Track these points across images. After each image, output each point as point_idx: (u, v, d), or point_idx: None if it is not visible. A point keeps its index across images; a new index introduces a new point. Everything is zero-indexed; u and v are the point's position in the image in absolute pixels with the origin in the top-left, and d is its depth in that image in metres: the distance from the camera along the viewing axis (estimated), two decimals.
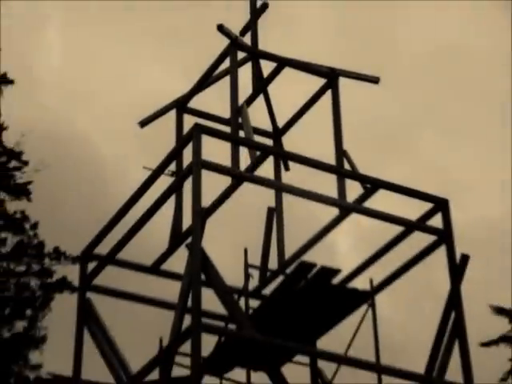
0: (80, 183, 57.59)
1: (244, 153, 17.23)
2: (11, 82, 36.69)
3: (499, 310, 40.90)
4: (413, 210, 17.71)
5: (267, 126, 20.01)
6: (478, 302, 41.28)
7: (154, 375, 15.68)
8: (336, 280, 16.90)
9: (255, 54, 19.14)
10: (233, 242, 17.45)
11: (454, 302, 16.76)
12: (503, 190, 54.11)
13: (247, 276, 17.15)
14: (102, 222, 18.39)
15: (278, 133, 20.06)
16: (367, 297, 16.95)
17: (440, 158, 65.96)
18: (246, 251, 17.06)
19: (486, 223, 59.17)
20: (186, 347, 14.77)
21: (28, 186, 34.68)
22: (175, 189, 17.16)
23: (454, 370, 16.34)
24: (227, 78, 18.60)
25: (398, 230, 17.80)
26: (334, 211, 17.62)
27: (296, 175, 17.90)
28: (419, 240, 17.51)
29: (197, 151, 16.13)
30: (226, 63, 18.80)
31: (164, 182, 17.32)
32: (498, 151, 61.35)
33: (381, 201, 17.41)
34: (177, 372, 15.70)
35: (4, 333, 31.79)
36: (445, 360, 16.29)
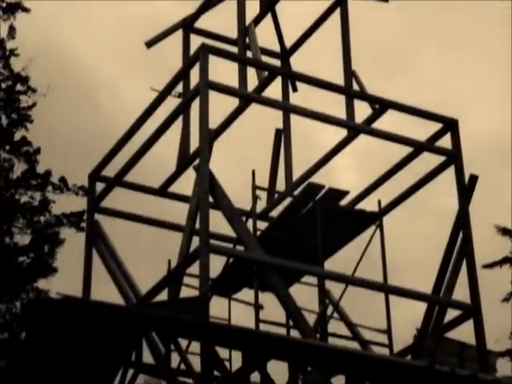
0: (80, 108, 56.52)
1: (251, 74, 17.07)
2: (27, 10, 36.46)
3: (504, 231, 40.91)
4: (419, 131, 17.73)
5: (275, 46, 19.81)
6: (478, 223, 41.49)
7: (163, 296, 15.81)
8: (344, 202, 17.08)
9: None
10: (240, 164, 17.45)
11: (462, 222, 16.82)
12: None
13: (255, 198, 17.23)
14: (104, 147, 18.41)
15: (285, 53, 19.89)
16: (375, 218, 17.07)
17: (441, 75, 65.63)
18: (253, 173, 17.05)
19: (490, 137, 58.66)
20: (195, 268, 14.88)
21: (32, 109, 34.23)
22: (182, 110, 17.06)
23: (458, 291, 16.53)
24: None
25: (402, 152, 17.81)
26: (342, 133, 17.59)
27: (304, 97, 17.84)
28: (425, 163, 17.57)
29: (204, 71, 16.05)
30: None
31: (171, 103, 17.32)
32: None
33: (387, 123, 17.43)
34: (185, 293, 15.65)
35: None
36: (452, 280, 16.42)
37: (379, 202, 17.33)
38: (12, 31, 35.60)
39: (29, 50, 37.72)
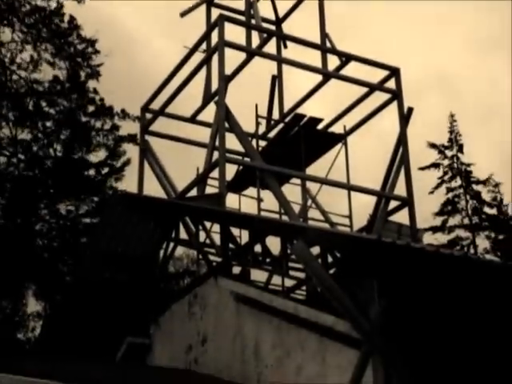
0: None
1: (254, 36, 17.44)
2: None
3: (432, 145, 41.73)
4: (372, 77, 18.12)
5: (271, 15, 19.96)
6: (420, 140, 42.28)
7: (194, 193, 16.17)
8: (319, 127, 17.65)
9: None
10: (247, 100, 17.69)
11: (402, 140, 17.17)
12: None
13: (257, 124, 17.85)
14: (149, 89, 18.89)
15: (279, 21, 19.99)
16: (342, 138, 17.73)
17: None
18: (256, 106, 17.52)
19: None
20: (215, 174, 15.51)
21: (100, 66, 34.51)
22: (206, 61, 17.18)
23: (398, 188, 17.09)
24: None
25: (360, 92, 18.24)
26: (318, 78, 17.99)
27: (292, 52, 18.15)
28: (377, 99, 18.04)
29: (221, 34, 16.28)
30: None
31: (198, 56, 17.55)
32: None
33: (349, 71, 17.84)
34: (209, 190, 15.99)
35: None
36: (394, 181, 16.86)
37: (344, 127, 17.95)
38: None
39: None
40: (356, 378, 9.82)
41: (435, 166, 42.07)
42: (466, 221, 41.31)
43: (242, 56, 17.40)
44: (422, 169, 40.44)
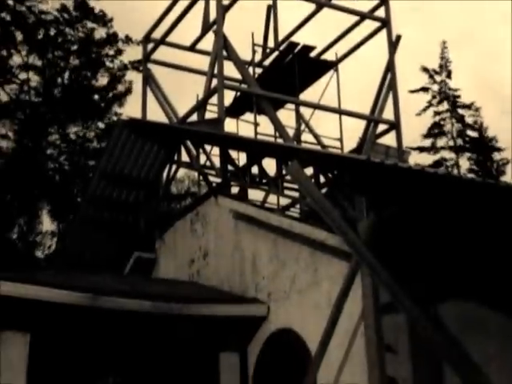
0: None
1: None
2: None
3: (424, 69, 41.52)
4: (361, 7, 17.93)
5: None
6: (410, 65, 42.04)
7: (194, 118, 16.28)
8: (312, 54, 17.62)
9: None
10: (244, 29, 17.54)
11: (390, 66, 17.12)
12: None
13: (254, 52, 17.84)
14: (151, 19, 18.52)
15: None
16: (334, 64, 17.76)
17: None
18: (252, 35, 17.54)
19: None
20: (214, 100, 15.51)
21: None
22: None
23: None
24: None
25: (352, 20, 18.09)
26: (312, 7, 17.74)
27: None
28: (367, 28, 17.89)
29: None
30: None
31: None
32: None
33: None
34: (208, 116, 15.99)
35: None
36: (382, 106, 16.94)
37: (336, 55, 17.96)
38: None
39: None
40: (345, 287, 10.00)
41: (424, 89, 41.95)
42: (451, 143, 41.40)
43: None
44: (412, 92, 40.35)
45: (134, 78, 31.27)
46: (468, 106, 41.87)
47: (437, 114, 41.85)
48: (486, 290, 11.10)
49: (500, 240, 10.47)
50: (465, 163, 40.72)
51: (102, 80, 31.72)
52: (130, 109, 30.12)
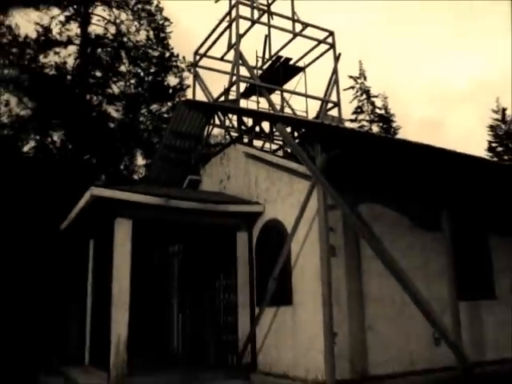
0: None
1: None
2: None
3: (350, 76, 41.54)
4: None
5: None
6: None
7: (222, 99, 16.13)
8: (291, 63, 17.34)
9: None
10: (252, 48, 17.21)
11: (334, 71, 16.89)
12: None
13: (257, 61, 17.52)
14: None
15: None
16: (302, 69, 17.41)
17: None
18: (256, 51, 17.32)
19: None
20: (234, 88, 15.21)
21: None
22: (229, 26, 16.28)
23: None
24: None
25: None
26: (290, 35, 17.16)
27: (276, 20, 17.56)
28: None
29: (237, 11, 15.44)
30: None
31: None
32: None
33: None
34: (230, 97, 15.63)
35: None
36: (331, 92, 16.67)
37: (304, 63, 17.67)
38: None
39: None
40: (308, 195, 10.06)
41: (352, 87, 41.58)
42: (367, 118, 41.56)
43: (249, 23, 16.43)
44: (345, 89, 40.31)
45: (189, 76, 30.65)
46: (376, 96, 41.88)
47: (360, 101, 41.75)
48: (385, 197, 11.15)
49: (396, 167, 10.49)
50: (375, 129, 40.85)
51: (172, 79, 31.11)
52: (187, 95, 29.74)
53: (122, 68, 29.55)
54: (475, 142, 52.29)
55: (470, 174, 11.04)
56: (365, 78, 42.03)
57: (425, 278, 11.17)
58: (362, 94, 41.83)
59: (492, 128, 41.33)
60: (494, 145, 41.07)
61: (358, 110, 41.68)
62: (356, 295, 10.17)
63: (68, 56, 27.91)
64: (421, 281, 10.94)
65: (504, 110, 41.34)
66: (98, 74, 29.02)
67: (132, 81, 30.00)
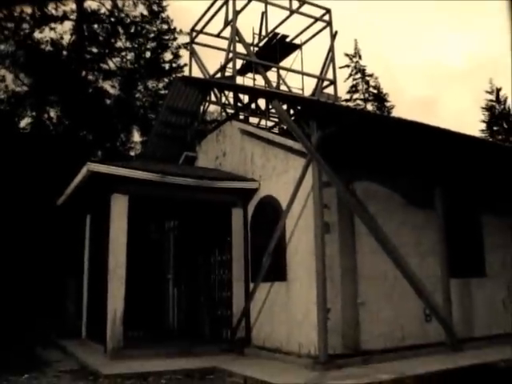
0: None
1: None
2: None
3: (346, 54, 41.19)
4: None
5: None
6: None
7: (219, 75, 16.13)
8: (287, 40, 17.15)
9: None
10: (248, 23, 16.90)
11: (331, 49, 16.65)
12: None
13: (253, 37, 17.31)
14: None
15: None
16: (299, 46, 17.16)
17: None
18: (253, 28, 16.93)
19: None
20: (230, 65, 15.12)
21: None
22: (226, 3, 15.73)
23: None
24: None
25: None
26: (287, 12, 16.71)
27: None
28: None
29: None
30: None
31: None
32: None
33: None
34: (227, 74, 15.54)
35: None
36: (327, 70, 16.46)
37: (300, 41, 17.46)
38: None
39: None
40: (303, 173, 10.05)
41: (347, 66, 41.31)
42: (362, 96, 41.38)
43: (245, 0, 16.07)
44: (340, 67, 39.88)
45: (185, 53, 30.28)
46: (371, 75, 41.62)
47: (354, 79, 41.53)
48: (379, 175, 11.14)
49: (391, 146, 10.47)
50: (370, 108, 40.68)
51: (168, 55, 30.70)
52: (183, 71, 29.28)
53: (119, 44, 29.21)
54: (468, 122, 52.17)
55: (463, 153, 11.04)
56: (360, 57, 41.79)
57: (417, 255, 11.24)
58: (356, 73, 41.64)
59: (487, 108, 41.29)
60: (489, 125, 41.08)
61: (353, 89, 41.51)
62: (349, 272, 10.23)
63: (64, 32, 27.60)
64: (413, 258, 11.03)
65: (498, 90, 41.26)
66: (95, 50, 28.69)
67: (128, 57, 29.67)
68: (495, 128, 40.80)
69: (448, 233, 11.06)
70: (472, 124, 40.93)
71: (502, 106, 41.09)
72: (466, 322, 11.71)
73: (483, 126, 41.10)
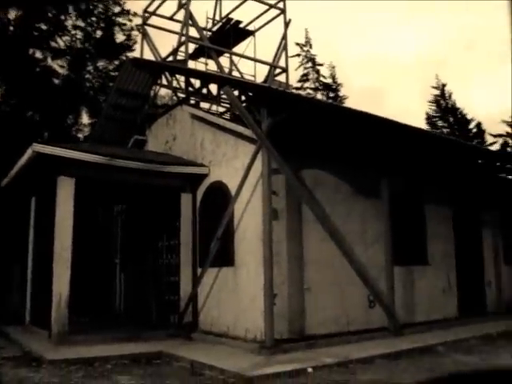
0: None
1: None
2: None
3: (297, 44, 41.25)
4: None
5: None
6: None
7: (170, 59, 15.70)
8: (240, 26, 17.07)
9: None
10: (202, 8, 16.76)
11: (284, 37, 16.61)
12: None
13: (207, 22, 17.15)
14: None
15: None
16: (252, 33, 17.11)
17: None
18: (206, 12, 16.95)
19: None
20: (183, 48, 15.03)
21: None
22: None
23: None
24: None
25: None
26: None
27: None
28: None
29: None
30: None
31: None
32: None
33: None
34: (179, 58, 15.18)
35: None
36: (279, 57, 16.47)
37: (254, 27, 17.35)
38: None
39: None
40: (252, 159, 10.05)
41: (298, 55, 41.48)
42: (312, 86, 41.66)
43: None
44: (291, 56, 39.99)
45: (138, 35, 29.44)
46: (321, 65, 41.92)
47: (305, 68, 41.72)
48: (328, 163, 11.26)
49: (340, 135, 10.57)
50: (320, 97, 40.97)
51: (120, 36, 29.90)
52: (135, 53, 28.73)
53: (70, 22, 28.33)
54: (414, 114, 53.34)
55: (408, 144, 11.29)
56: (311, 46, 42.00)
57: (363, 243, 11.46)
58: (307, 62, 41.83)
59: (433, 102, 42.35)
60: (434, 119, 42.15)
61: (304, 78, 41.74)
62: (296, 258, 10.33)
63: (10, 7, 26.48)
64: (359, 245, 11.25)
65: (444, 85, 42.35)
66: (43, 27, 27.72)
67: (79, 36, 28.82)
68: (440, 123, 41.91)
69: (393, 222, 11.30)
70: (418, 116, 41.81)
71: (447, 102, 42.26)
72: (408, 308, 12.05)
73: (430, 119, 42.15)
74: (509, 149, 39.21)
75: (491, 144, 40.11)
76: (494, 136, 40.32)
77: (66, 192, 10.61)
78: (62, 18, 27.88)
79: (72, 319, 10.36)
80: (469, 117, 41.46)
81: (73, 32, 28.51)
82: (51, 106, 25.78)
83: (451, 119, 41.69)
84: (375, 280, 10.86)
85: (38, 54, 27.31)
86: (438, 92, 42.66)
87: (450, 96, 42.41)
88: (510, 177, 16.85)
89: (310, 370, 7.15)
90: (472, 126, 41.15)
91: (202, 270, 11.26)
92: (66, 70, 28.22)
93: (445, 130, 40.74)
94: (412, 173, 12.61)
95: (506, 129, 39.98)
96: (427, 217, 13.20)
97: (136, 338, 10.64)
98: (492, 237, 14.55)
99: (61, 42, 28.03)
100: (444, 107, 42.16)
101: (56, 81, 27.73)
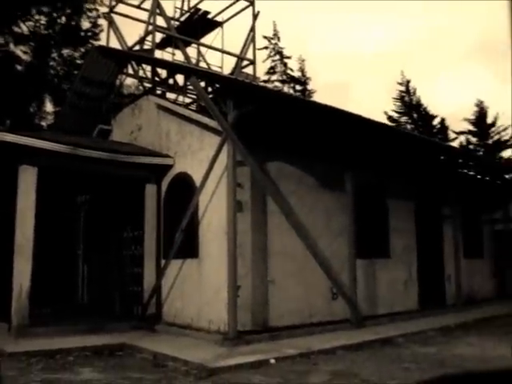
0: None
1: None
2: None
3: (265, 37, 41.22)
4: None
5: None
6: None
7: (137, 48, 15.62)
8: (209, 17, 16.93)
9: None
10: None
11: (252, 29, 16.50)
12: None
13: (175, 12, 16.97)
14: None
15: None
16: (220, 24, 17.03)
17: None
18: (175, 2, 16.89)
19: None
20: (150, 38, 14.90)
21: None
22: None
23: None
24: None
25: None
26: None
27: None
28: None
29: None
30: None
31: None
32: None
33: None
34: (146, 47, 15.06)
35: None
36: (247, 50, 16.46)
37: (222, 18, 17.25)
38: None
39: None
40: (218, 151, 10.03)
41: (266, 48, 41.46)
42: (280, 78, 41.72)
43: None
44: (259, 49, 40.00)
45: (104, 23, 29.05)
46: (289, 57, 42.01)
47: (273, 61, 41.74)
48: (294, 156, 11.31)
49: (305, 128, 10.62)
50: (286, 90, 41.01)
51: (85, 24, 29.42)
52: (101, 41, 28.25)
53: (33, 7, 27.68)
54: (379, 109, 53.93)
55: (372, 138, 11.42)
56: (279, 39, 42.04)
57: (327, 235, 11.58)
58: (275, 55, 41.85)
59: (398, 99, 42.89)
60: (398, 115, 42.72)
61: (271, 71, 41.78)
62: (260, 249, 10.38)
63: None
64: (323, 238, 11.35)
65: (408, 82, 42.90)
66: (5, 10, 27.03)
67: (43, 21, 28.20)
68: (405, 118, 42.49)
69: (357, 215, 11.44)
70: (382, 112, 42.25)
71: (411, 98, 42.86)
72: (370, 300, 12.24)
73: (394, 114, 42.69)
74: (471, 146, 40.10)
75: (453, 139, 40.96)
76: (457, 133, 41.20)
77: (28, 182, 10.40)
78: (26, 2, 27.23)
79: (33, 311, 10.18)
80: (432, 113, 42.16)
81: (37, 17, 27.91)
82: (13, 93, 25.21)
83: (415, 115, 42.29)
84: (338, 272, 10.99)
85: (1, 40, 26.65)
86: (403, 88, 43.19)
87: (414, 92, 43.01)
88: (471, 173, 17.24)
89: (272, 360, 7.21)
90: (436, 122, 41.86)
91: (166, 262, 11.22)
92: (30, 57, 27.63)
93: (409, 126, 41.32)
94: (376, 167, 12.78)
95: (468, 126, 40.91)
96: (390, 210, 13.41)
97: (99, 330, 10.53)
98: (453, 231, 14.86)
99: (24, 28, 27.42)
100: (408, 103, 42.73)
101: (19, 67, 27.13)
